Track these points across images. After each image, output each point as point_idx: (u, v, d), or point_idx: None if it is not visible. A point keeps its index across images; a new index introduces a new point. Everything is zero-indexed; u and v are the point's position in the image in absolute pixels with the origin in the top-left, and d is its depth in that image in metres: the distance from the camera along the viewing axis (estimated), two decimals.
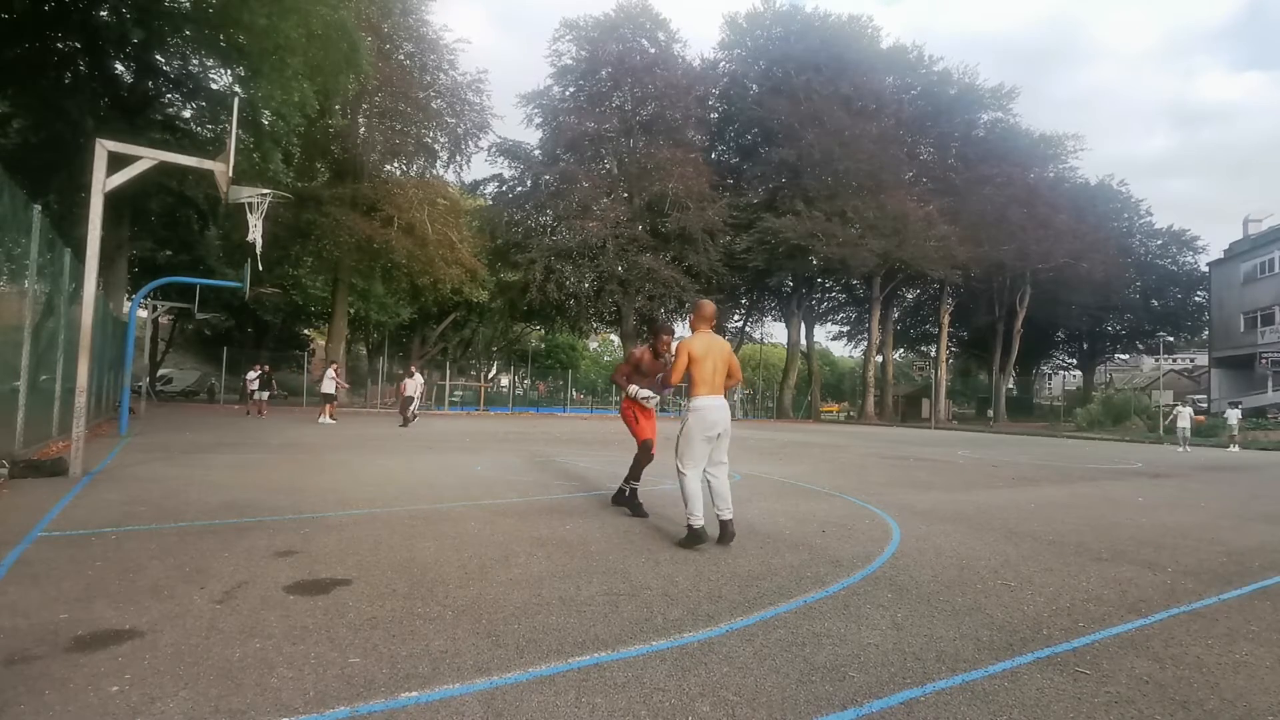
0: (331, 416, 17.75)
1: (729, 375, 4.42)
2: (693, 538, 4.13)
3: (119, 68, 17.28)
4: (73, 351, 7.53)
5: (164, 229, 24.11)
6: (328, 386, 18.14)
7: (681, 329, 38.58)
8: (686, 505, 4.17)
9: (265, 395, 19.58)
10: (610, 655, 2.43)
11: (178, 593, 2.97)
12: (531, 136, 41.67)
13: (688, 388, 4.37)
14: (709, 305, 4.57)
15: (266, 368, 20.72)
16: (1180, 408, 18.95)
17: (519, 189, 36.87)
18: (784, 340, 44.04)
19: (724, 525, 4.22)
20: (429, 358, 41.35)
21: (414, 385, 18.72)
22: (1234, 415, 19.61)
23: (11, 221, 6.59)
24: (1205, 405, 36.46)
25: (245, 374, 20.35)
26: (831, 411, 51.65)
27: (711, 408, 4.28)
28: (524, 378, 45.81)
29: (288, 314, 36.27)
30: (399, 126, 28.00)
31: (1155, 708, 2.17)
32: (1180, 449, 17.77)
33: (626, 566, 3.71)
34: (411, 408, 19.49)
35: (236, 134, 7.68)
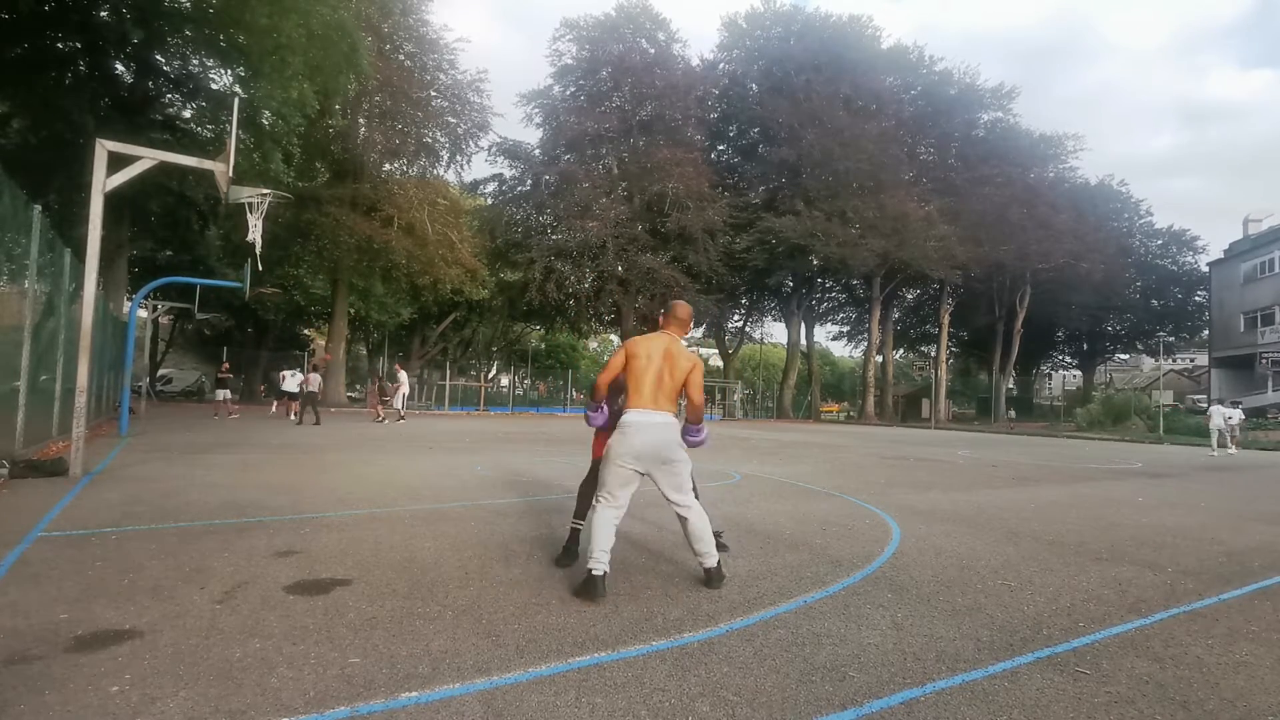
0: (291, 414, 17.66)
1: (688, 395, 3.39)
2: (586, 586, 3.11)
3: (119, 68, 17.26)
4: (73, 351, 7.54)
5: (164, 229, 24.06)
6: (290, 385, 18.13)
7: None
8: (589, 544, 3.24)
9: (227, 394, 18.68)
10: (610, 655, 2.43)
11: (178, 593, 2.97)
12: (532, 136, 41.76)
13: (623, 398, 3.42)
14: (684, 307, 3.60)
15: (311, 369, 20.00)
16: (1215, 406, 18.37)
17: (519, 189, 36.89)
18: (784, 340, 44.06)
19: (707, 573, 3.37)
20: (429, 358, 41.34)
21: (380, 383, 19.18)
22: (1236, 415, 19.42)
23: (11, 221, 6.59)
24: (1205, 405, 36.42)
25: (280, 373, 19.23)
26: (831, 411, 51.68)
27: (639, 425, 3.24)
28: (524, 378, 45.80)
29: (288, 314, 36.27)
30: (399, 126, 27.99)
31: (1155, 708, 2.17)
32: (1213, 451, 17.12)
33: (626, 566, 3.70)
34: (399, 405, 19.73)
35: (236, 134, 7.68)
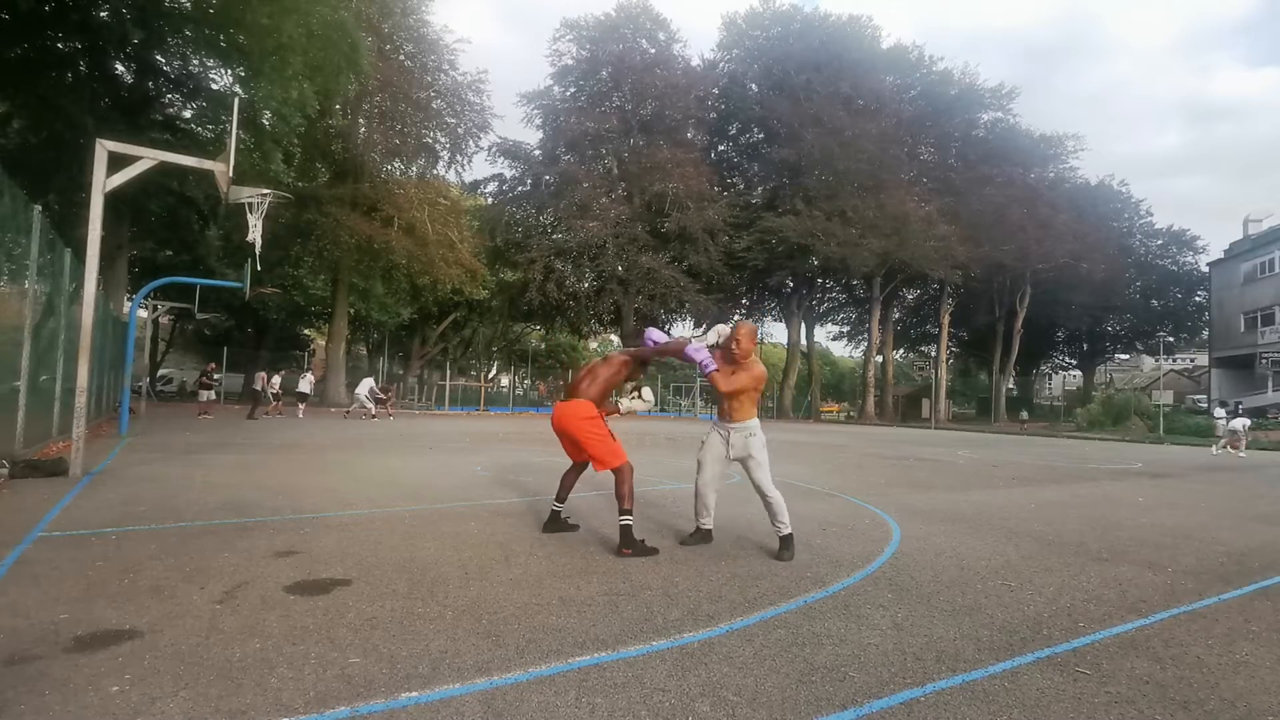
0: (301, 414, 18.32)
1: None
2: (788, 545, 4.07)
3: (119, 68, 17.28)
4: (73, 351, 7.53)
5: (164, 229, 24.10)
6: (303, 386, 20.49)
7: (681, 328, 38.49)
8: (781, 517, 4.08)
9: (210, 395, 18.75)
10: (610, 655, 2.43)
11: (178, 593, 2.97)
12: (532, 136, 41.76)
13: (737, 405, 4.12)
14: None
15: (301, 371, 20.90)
16: (1238, 417, 18.26)
17: (519, 189, 36.90)
18: (784, 340, 44.08)
19: (709, 531, 4.37)
20: (429, 358, 41.30)
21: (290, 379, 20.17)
22: (1233, 417, 19.24)
23: (11, 221, 6.60)
24: (1205, 405, 36.41)
25: (294, 376, 20.66)
26: (831, 411, 51.67)
27: None
28: (524, 378, 45.80)
29: (288, 314, 36.29)
30: (399, 127, 28.02)
31: (1155, 708, 2.17)
32: (1215, 451, 17.12)
33: (626, 566, 3.71)
34: (359, 406, 20.29)
35: (237, 134, 7.67)
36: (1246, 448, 17.64)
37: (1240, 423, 17.43)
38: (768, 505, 4.12)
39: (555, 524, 4.57)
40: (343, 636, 2.52)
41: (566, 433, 4.24)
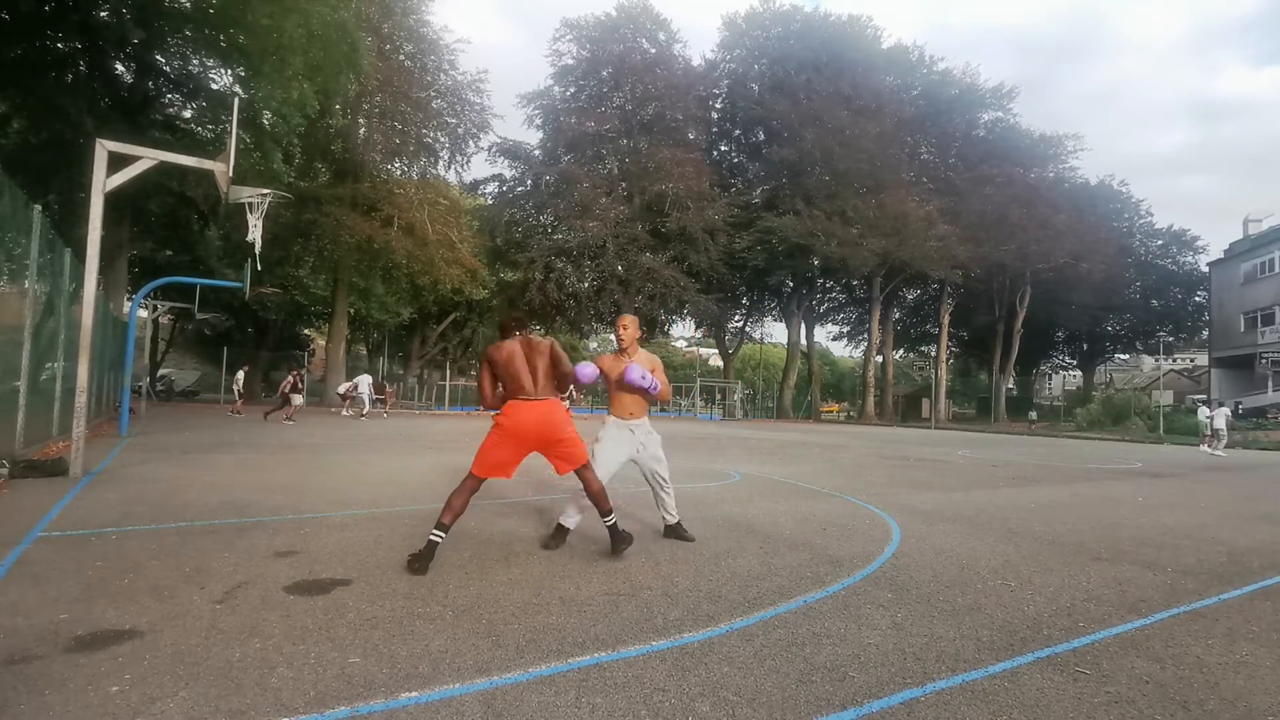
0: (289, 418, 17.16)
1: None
2: (682, 529, 4.48)
3: (119, 68, 17.29)
4: (73, 351, 7.53)
5: (164, 229, 24.12)
6: (342, 389, 21.45)
7: (681, 328, 38.53)
8: (672, 506, 4.51)
9: (300, 400, 17.43)
10: (610, 655, 2.43)
11: (178, 593, 2.97)
12: (532, 137, 41.80)
13: (634, 402, 4.30)
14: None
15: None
16: (1222, 408, 18.12)
17: (519, 189, 36.91)
18: (784, 340, 44.06)
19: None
20: (429, 358, 41.30)
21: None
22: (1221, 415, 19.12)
23: (11, 221, 6.60)
24: (1198, 404, 36.40)
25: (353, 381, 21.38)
26: (831, 411, 51.70)
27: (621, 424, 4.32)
28: None
29: (288, 314, 36.27)
30: (399, 126, 28.02)
31: (1155, 708, 2.17)
32: (1211, 450, 17.12)
33: (626, 566, 3.71)
34: (353, 404, 20.76)
35: (237, 134, 7.67)
36: (1225, 446, 17.60)
37: (1223, 414, 17.39)
38: (666, 495, 4.41)
39: (429, 557, 3.47)
40: (343, 636, 2.52)
41: (550, 435, 3.68)
